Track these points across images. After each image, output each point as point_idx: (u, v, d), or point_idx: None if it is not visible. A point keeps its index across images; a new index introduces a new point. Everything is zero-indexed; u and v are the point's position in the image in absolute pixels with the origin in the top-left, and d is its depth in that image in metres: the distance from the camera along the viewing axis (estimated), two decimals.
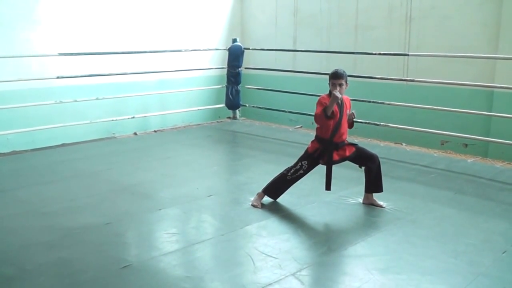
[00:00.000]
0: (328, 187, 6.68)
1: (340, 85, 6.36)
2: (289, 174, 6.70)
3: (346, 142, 6.63)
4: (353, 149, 6.64)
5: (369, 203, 6.78)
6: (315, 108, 6.44)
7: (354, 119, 6.57)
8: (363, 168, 6.74)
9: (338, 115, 6.43)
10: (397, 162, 8.99)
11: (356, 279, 4.80)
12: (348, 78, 8.92)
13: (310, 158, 6.64)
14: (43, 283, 4.84)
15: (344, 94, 6.47)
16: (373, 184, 6.75)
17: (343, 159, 6.61)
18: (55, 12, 10.24)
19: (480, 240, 5.71)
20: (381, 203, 6.74)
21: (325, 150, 6.54)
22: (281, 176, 6.77)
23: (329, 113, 6.30)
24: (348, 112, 6.53)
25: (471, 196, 7.24)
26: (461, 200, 7.08)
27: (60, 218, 6.40)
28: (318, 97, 6.54)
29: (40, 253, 5.44)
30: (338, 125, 6.45)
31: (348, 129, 6.66)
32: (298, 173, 6.68)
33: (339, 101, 6.35)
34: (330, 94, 6.41)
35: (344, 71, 6.49)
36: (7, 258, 5.35)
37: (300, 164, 6.66)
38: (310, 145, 6.70)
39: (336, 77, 6.41)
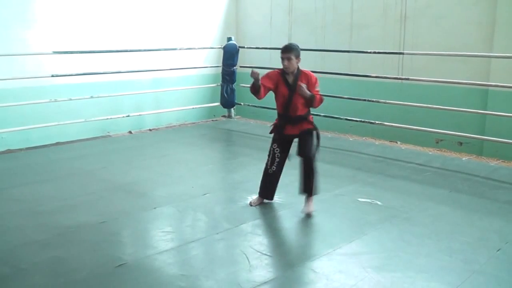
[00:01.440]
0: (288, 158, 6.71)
1: (288, 59, 6.32)
2: (268, 166, 6.69)
3: (306, 117, 6.54)
4: (310, 127, 6.53)
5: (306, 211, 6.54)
6: None
7: (304, 94, 6.28)
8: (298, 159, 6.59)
9: (288, 91, 6.39)
10: (392, 161, 9.00)
11: (351, 277, 4.81)
12: (343, 77, 8.89)
13: (275, 138, 6.64)
14: (38, 282, 4.84)
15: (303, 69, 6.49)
16: (302, 183, 6.56)
17: (295, 135, 6.54)
18: (49, 10, 10.21)
19: (475, 238, 5.72)
20: (309, 210, 6.48)
21: (278, 124, 6.57)
22: (263, 171, 6.78)
23: (257, 92, 6.34)
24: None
25: (466, 194, 7.26)
26: (456, 198, 7.09)
27: (55, 216, 6.39)
28: None
29: (35, 252, 5.43)
30: (288, 101, 6.42)
31: (311, 106, 6.51)
32: (276, 161, 6.64)
33: (256, 77, 6.22)
34: (280, 70, 6.47)
35: (293, 45, 6.44)
36: (2, 257, 5.34)
37: (271, 150, 6.65)
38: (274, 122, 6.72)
39: (283, 51, 6.39)
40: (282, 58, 6.37)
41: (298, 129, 6.50)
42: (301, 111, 6.47)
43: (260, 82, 6.30)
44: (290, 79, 6.43)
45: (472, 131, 9.31)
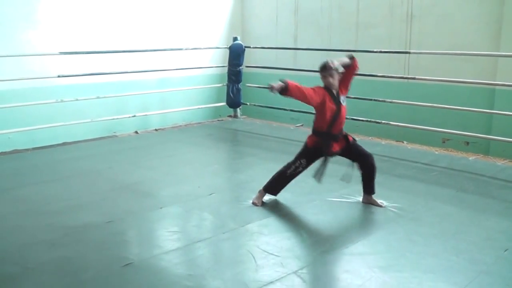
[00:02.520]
0: (320, 178, 6.64)
1: (331, 75, 6.35)
2: (288, 171, 6.67)
3: (343, 133, 6.62)
4: (351, 139, 6.66)
5: (368, 203, 6.77)
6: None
7: (345, 61, 6.46)
8: (355, 163, 6.73)
9: (335, 107, 6.39)
10: (399, 160, 8.99)
11: (357, 277, 4.80)
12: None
13: (309, 154, 6.62)
14: (45, 281, 4.85)
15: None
16: (366, 185, 6.77)
17: (342, 150, 6.60)
18: (56, 11, 10.23)
19: (482, 238, 5.70)
20: (380, 202, 6.73)
21: (324, 143, 6.51)
22: (280, 173, 6.75)
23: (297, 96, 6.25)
24: (344, 99, 6.51)
25: (473, 194, 7.24)
26: (463, 198, 7.07)
27: (61, 216, 6.40)
28: None
29: (42, 252, 5.44)
30: (335, 117, 6.41)
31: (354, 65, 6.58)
32: (298, 170, 6.66)
33: (275, 91, 6.21)
34: (325, 87, 6.44)
35: (327, 62, 6.42)
36: (9, 256, 5.36)
37: (299, 162, 6.62)
38: (308, 140, 6.65)
39: (323, 69, 6.42)
40: (324, 76, 6.37)
41: (340, 146, 6.59)
42: (342, 126, 6.57)
43: (289, 85, 6.16)
44: (335, 95, 6.44)
45: (479, 131, 9.29)
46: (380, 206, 6.65)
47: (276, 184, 6.81)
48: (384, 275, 4.85)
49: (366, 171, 6.69)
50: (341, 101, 6.42)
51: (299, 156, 6.66)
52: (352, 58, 6.52)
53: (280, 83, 6.12)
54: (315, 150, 6.57)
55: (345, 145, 6.58)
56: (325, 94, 6.37)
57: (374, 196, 6.77)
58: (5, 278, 4.91)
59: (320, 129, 6.51)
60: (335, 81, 6.37)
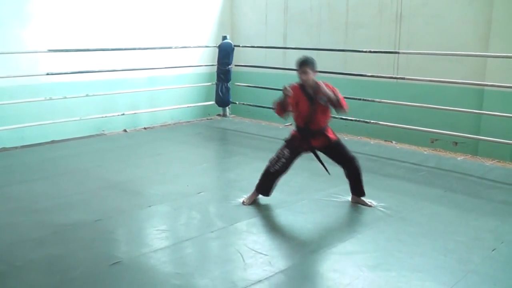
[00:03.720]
0: (327, 171, 6.74)
1: (305, 72, 6.36)
2: (272, 168, 6.66)
3: (326, 130, 6.58)
4: (335, 138, 6.63)
5: (356, 203, 6.78)
6: None
7: (328, 93, 6.32)
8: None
9: (309, 104, 6.41)
10: (387, 160, 9.01)
11: (346, 276, 4.81)
12: (339, 76, 8.84)
13: (292, 146, 6.62)
14: (34, 279, 4.84)
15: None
16: (354, 188, 6.77)
17: (324, 146, 6.60)
18: (45, 8, 10.20)
19: (470, 238, 5.72)
20: (369, 202, 6.73)
21: (303, 138, 6.55)
22: (265, 171, 6.75)
23: (286, 108, 6.45)
24: (322, 98, 6.37)
25: (461, 194, 7.25)
26: (451, 198, 7.09)
27: (50, 214, 6.38)
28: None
29: (31, 250, 5.43)
30: (311, 114, 6.42)
31: (339, 111, 6.53)
32: (281, 162, 6.61)
33: (289, 94, 6.28)
34: (300, 84, 6.49)
35: (309, 58, 6.49)
36: None
37: (282, 152, 6.63)
38: (292, 132, 6.74)
39: (300, 65, 6.45)
40: (299, 72, 6.40)
41: (321, 142, 6.57)
42: (323, 123, 6.54)
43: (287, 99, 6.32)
44: (311, 92, 6.43)
45: (468, 131, 9.31)
46: (369, 206, 6.65)
47: (264, 182, 6.79)
48: (372, 274, 4.86)
49: (352, 176, 6.70)
50: (319, 99, 6.36)
51: (282, 147, 6.67)
52: (336, 96, 6.40)
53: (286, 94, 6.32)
54: (296, 144, 6.61)
55: (327, 144, 6.59)
56: (299, 94, 6.43)
57: (363, 197, 6.78)
58: None
59: (299, 125, 6.59)
60: (309, 78, 6.38)
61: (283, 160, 6.62)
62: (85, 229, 5.95)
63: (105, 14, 11.12)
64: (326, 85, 6.39)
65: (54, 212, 6.48)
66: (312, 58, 6.52)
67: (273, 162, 6.67)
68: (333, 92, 6.36)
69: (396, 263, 5.09)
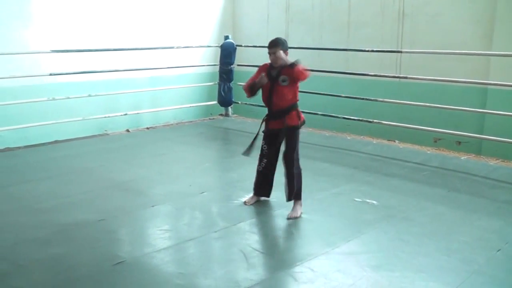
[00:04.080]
0: (246, 153, 6.65)
1: (274, 53, 6.29)
2: (259, 164, 6.71)
3: (288, 112, 6.36)
4: (292, 124, 6.37)
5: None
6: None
7: (282, 62, 6.29)
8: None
9: (269, 84, 6.31)
10: (390, 160, 9.00)
11: (349, 276, 4.81)
12: (341, 75, 8.82)
13: (265, 136, 6.63)
14: (37, 279, 4.85)
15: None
16: (288, 189, 6.49)
17: (278, 130, 6.39)
18: (47, 9, 10.20)
19: (474, 238, 5.71)
20: (294, 215, 6.36)
21: (267, 120, 6.56)
22: (256, 171, 6.78)
23: (253, 93, 6.42)
24: (284, 79, 6.26)
25: (465, 194, 7.25)
26: (455, 198, 7.08)
27: (53, 214, 6.39)
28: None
29: (34, 249, 5.44)
30: (270, 94, 6.34)
31: (293, 97, 6.35)
32: (264, 158, 6.63)
33: (264, 82, 6.24)
34: (270, 64, 6.44)
35: (280, 39, 6.43)
36: (1, 253, 5.35)
37: (262, 148, 6.66)
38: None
39: (269, 46, 6.37)
40: (269, 53, 6.36)
41: (281, 124, 6.35)
42: (282, 104, 6.34)
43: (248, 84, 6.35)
44: (274, 72, 6.34)
45: (471, 130, 9.28)
46: (290, 217, 6.30)
47: (257, 181, 6.81)
48: (376, 274, 4.86)
49: (286, 177, 6.47)
50: (280, 80, 6.25)
51: (262, 143, 6.67)
52: (294, 65, 6.28)
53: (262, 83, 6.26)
54: (265, 127, 6.61)
55: (282, 127, 6.37)
56: (263, 72, 6.38)
57: (293, 210, 6.41)
58: None
59: (265, 105, 6.55)
60: (278, 59, 6.30)
61: (265, 154, 6.64)
62: (89, 229, 5.96)
63: (107, 15, 11.11)
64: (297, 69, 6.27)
65: (58, 211, 6.49)
66: (283, 39, 6.48)
67: (259, 160, 6.69)
68: (297, 66, 6.24)
69: (400, 263, 5.09)
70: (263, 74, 6.27)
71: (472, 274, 4.87)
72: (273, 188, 6.80)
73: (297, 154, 6.43)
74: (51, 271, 4.99)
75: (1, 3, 9.61)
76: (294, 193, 6.41)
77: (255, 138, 6.66)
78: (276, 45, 6.32)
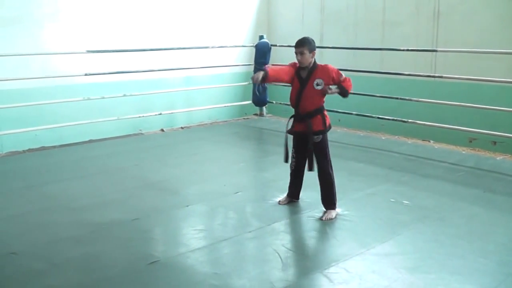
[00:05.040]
0: (310, 168, 6.39)
1: (301, 53, 6.25)
2: (291, 165, 6.67)
3: (315, 116, 6.34)
4: (318, 129, 6.32)
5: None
6: None
7: (334, 92, 6.31)
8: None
9: (299, 86, 6.33)
10: (425, 160, 8.93)
11: (384, 278, 4.78)
12: (376, 75, 8.75)
13: (290, 133, 6.58)
14: (71, 277, 4.89)
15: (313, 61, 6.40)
16: (322, 196, 6.49)
17: (304, 133, 6.33)
18: (83, 10, 10.29)
19: (510, 240, 5.65)
20: (328, 216, 6.32)
21: (289, 120, 6.55)
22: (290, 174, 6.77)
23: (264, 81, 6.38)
24: (319, 83, 6.25)
25: (500, 195, 7.16)
26: (490, 199, 7.01)
27: (87, 213, 6.44)
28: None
29: (68, 248, 5.49)
30: (299, 96, 6.32)
31: (346, 95, 6.35)
32: (293, 160, 6.60)
33: (257, 79, 6.21)
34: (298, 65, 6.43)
35: (307, 39, 6.38)
36: (36, 252, 5.41)
37: (291, 154, 6.62)
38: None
39: (296, 45, 6.34)
40: (296, 53, 6.31)
41: (306, 127, 6.31)
42: (309, 108, 6.33)
43: (269, 74, 6.25)
44: (304, 74, 6.34)
45: (507, 130, 9.15)
46: (325, 219, 6.29)
47: (289, 183, 6.81)
48: (411, 276, 4.82)
49: (321, 185, 6.46)
50: (314, 84, 6.25)
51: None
52: (341, 88, 6.34)
53: (261, 72, 6.19)
54: (290, 129, 6.57)
55: (307, 131, 6.32)
56: (293, 72, 6.41)
57: (329, 212, 6.40)
58: (32, 274, 4.96)
59: (292, 106, 6.52)
60: (304, 60, 6.27)
61: (293, 158, 6.61)
62: (122, 228, 6.00)
63: (142, 15, 11.17)
64: (327, 67, 6.34)
65: (92, 211, 6.55)
66: (311, 39, 6.42)
67: (290, 164, 6.67)
68: (336, 77, 6.27)
69: (435, 265, 5.04)
70: (253, 76, 6.30)
71: (508, 276, 4.82)
72: (308, 188, 6.78)
73: (329, 161, 6.40)
74: (85, 270, 5.03)
75: (37, 4, 9.71)
76: (329, 203, 6.40)
77: (287, 144, 6.60)
78: (303, 44, 6.28)
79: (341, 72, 6.33)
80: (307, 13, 12.68)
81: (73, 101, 10.02)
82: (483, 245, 5.48)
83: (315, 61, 6.38)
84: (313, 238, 5.76)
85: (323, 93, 6.26)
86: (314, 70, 6.30)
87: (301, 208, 6.58)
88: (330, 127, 6.45)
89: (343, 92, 6.31)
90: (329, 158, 6.40)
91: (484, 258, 5.17)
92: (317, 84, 6.24)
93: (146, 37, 11.23)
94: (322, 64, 6.42)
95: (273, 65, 12.05)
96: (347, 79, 6.32)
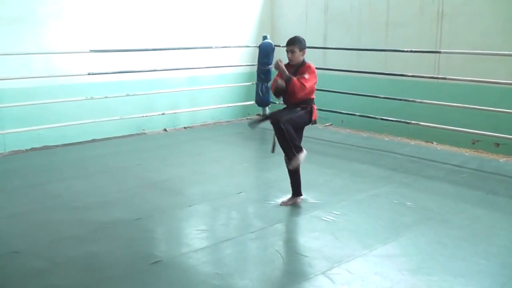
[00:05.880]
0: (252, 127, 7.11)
1: (292, 51, 6.54)
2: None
3: (303, 106, 6.60)
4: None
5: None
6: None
7: (278, 68, 6.56)
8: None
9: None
10: (428, 161, 8.92)
11: (387, 279, 4.77)
12: (379, 76, 8.73)
13: None
14: (73, 276, 4.89)
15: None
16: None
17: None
18: (86, 9, 10.30)
19: None
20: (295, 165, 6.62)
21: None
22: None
23: (277, 95, 6.69)
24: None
25: (503, 197, 7.15)
26: (493, 201, 6.99)
27: (90, 212, 6.45)
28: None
29: (70, 247, 5.50)
30: (287, 89, 6.52)
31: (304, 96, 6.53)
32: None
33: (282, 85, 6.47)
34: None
35: (298, 38, 6.67)
36: (38, 251, 5.41)
37: None
38: None
39: (287, 43, 6.64)
40: (286, 51, 6.61)
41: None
42: (294, 101, 6.57)
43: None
44: (291, 71, 6.55)
45: (510, 132, 9.11)
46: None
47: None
48: (414, 278, 4.81)
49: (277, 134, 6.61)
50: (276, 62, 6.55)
51: None
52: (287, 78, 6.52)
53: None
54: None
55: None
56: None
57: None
58: (34, 272, 4.96)
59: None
60: (295, 58, 6.62)
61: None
62: (125, 228, 6.00)
63: (146, 15, 11.18)
64: (309, 66, 6.59)
65: (94, 210, 6.55)
66: (302, 38, 6.70)
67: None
68: (303, 72, 6.51)
69: (438, 267, 5.03)
70: (280, 80, 6.48)
71: (511, 278, 4.80)
72: (311, 188, 6.81)
73: (291, 127, 6.46)
74: (87, 269, 5.03)
75: (40, 3, 9.72)
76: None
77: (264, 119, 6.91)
78: (293, 43, 6.61)
79: (312, 75, 6.55)
80: (310, 13, 12.67)
81: (76, 100, 10.03)
82: (486, 247, 5.47)
83: (304, 60, 6.68)
84: (316, 239, 5.75)
85: (275, 67, 6.57)
86: (300, 68, 6.59)
87: (303, 209, 6.58)
88: (315, 121, 6.79)
89: (286, 81, 6.47)
90: (294, 124, 6.50)
91: (487, 260, 5.16)
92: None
93: (150, 37, 11.23)
94: (312, 64, 6.66)
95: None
96: (305, 80, 6.45)
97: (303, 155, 6.52)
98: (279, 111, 6.70)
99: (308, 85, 6.44)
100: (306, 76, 6.45)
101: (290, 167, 6.57)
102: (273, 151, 6.92)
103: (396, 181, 7.76)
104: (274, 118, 6.48)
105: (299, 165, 6.59)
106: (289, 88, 6.44)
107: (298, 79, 6.41)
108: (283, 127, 6.37)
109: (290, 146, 6.46)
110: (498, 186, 7.62)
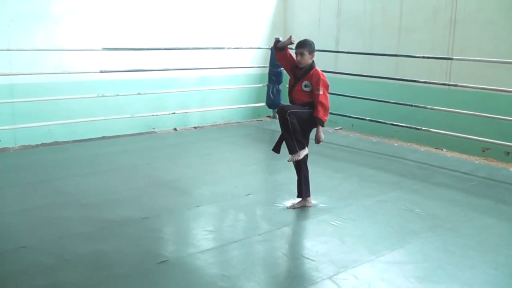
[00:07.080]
0: (276, 150, 6.95)
1: (301, 54, 6.58)
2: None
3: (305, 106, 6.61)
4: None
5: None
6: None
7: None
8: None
9: (293, 82, 6.71)
10: (437, 168, 8.89)
11: (393, 286, 4.76)
12: (390, 81, 8.71)
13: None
14: (81, 273, 4.90)
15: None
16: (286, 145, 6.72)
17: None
18: (99, 7, 10.34)
19: None
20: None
21: None
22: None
23: (278, 46, 6.96)
24: (307, 85, 6.56)
25: None
26: (502, 210, 6.96)
27: (98, 210, 6.47)
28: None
29: (79, 244, 5.52)
30: (291, 90, 6.70)
31: (307, 98, 6.58)
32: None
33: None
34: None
35: (308, 41, 6.73)
36: (46, 247, 5.43)
37: None
38: None
39: (296, 46, 6.70)
40: (296, 53, 6.63)
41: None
42: (298, 102, 6.64)
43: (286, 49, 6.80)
44: (299, 72, 6.64)
45: None
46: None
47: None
48: (420, 285, 4.80)
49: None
50: (303, 85, 6.57)
51: None
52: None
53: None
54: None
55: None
56: (293, 66, 6.76)
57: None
58: (42, 268, 4.97)
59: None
60: (303, 60, 6.61)
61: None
62: (133, 226, 6.01)
63: (158, 14, 11.21)
64: (318, 74, 6.56)
65: (103, 207, 6.57)
66: (310, 41, 6.75)
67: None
68: (316, 83, 6.50)
69: (445, 275, 5.01)
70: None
71: None
72: (319, 193, 6.80)
73: (295, 120, 6.48)
74: (94, 266, 5.04)
75: (55, 1, 9.76)
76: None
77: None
78: (303, 46, 6.64)
79: (325, 86, 6.55)
80: (323, 17, 12.67)
81: (88, 97, 10.07)
82: (494, 257, 5.45)
83: (313, 63, 6.68)
84: (323, 243, 5.74)
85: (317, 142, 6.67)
86: (308, 71, 6.59)
87: (311, 213, 6.57)
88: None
89: (320, 124, 6.58)
90: (299, 118, 6.51)
91: (495, 270, 5.14)
92: (305, 86, 6.58)
93: (162, 36, 11.26)
94: (318, 69, 6.64)
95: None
96: (321, 97, 6.48)
97: (303, 152, 6.55)
98: (288, 104, 6.71)
99: (327, 103, 6.53)
100: (321, 91, 6.44)
101: (288, 160, 6.60)
102: (278, 151, 6.86)
103: (405, 187, 7.74)
104: (281, 108, 6.51)
105: (298, 160, 6.58)
106: (317, 114, 6.47)
107: (316, 96, 6.44)
108: (288, 118, 6.39)
109: (293, 139, 6.49)
110: (508, 195, 7.58)
